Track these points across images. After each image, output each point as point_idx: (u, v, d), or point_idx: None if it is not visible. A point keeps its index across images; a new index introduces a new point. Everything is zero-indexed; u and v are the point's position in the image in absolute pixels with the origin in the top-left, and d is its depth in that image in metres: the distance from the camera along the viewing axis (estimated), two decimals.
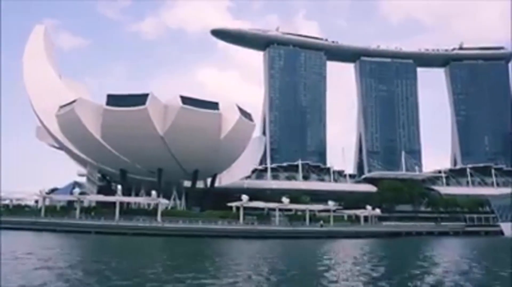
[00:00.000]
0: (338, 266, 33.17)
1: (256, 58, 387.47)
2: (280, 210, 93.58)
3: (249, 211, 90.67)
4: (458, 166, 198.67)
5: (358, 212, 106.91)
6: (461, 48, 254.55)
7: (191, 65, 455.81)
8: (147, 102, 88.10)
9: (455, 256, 45.89)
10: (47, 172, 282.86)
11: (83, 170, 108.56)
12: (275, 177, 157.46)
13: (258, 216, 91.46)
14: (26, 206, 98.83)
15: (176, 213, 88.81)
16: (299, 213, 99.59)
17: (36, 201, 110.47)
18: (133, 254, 42.43)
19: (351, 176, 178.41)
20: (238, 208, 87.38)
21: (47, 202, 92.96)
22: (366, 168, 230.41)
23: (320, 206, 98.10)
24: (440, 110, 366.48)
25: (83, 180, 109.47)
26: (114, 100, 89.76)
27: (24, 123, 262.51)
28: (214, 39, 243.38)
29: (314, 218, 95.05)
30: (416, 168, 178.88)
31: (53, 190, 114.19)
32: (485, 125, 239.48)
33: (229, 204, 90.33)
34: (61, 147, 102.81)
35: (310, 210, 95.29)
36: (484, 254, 50.65)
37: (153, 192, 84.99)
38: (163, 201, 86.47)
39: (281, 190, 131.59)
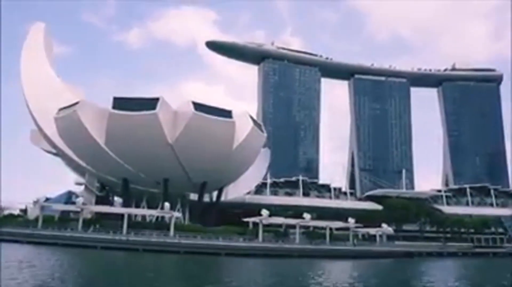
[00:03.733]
0: None
1: (243, 73, 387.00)
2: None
3: (265, 228, 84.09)
4: (455, 186, 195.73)
5: (374, 230, 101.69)
6: (453, 69, 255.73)
7: (176, 77, 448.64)
8: (157, 107, 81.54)
9: None
10: (35, 180, 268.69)
11: (81, 179, 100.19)
12: (274, 193, 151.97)
13: (275, 233, 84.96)
14: (19, 215, 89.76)
15: (187, 227, 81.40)
16: (317, 230, 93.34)
17: (22, 210, 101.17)
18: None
19: (350, 193, 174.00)
20: (255, 223, 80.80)
21: (37, 212, 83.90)
22: (358, 186, 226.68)
23: (340, 223, 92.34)
24: (431, 130, 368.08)
25: (79, 189, 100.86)
26: (120, 103, 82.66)
27: (15, 125, 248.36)
28: (200, 52, 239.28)
29: (331, 236, 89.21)
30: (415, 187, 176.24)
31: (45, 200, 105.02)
32: (476, 145, 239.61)
33: (246, 220, 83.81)
34: (58, 152, 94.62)
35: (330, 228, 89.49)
36: None
37: (166, 204, 77.74)
38: (177, 215, 79.09)
39: (283, 206, 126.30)
